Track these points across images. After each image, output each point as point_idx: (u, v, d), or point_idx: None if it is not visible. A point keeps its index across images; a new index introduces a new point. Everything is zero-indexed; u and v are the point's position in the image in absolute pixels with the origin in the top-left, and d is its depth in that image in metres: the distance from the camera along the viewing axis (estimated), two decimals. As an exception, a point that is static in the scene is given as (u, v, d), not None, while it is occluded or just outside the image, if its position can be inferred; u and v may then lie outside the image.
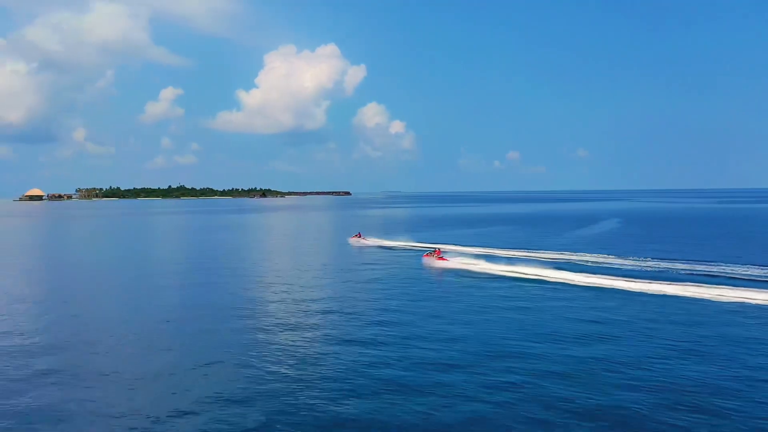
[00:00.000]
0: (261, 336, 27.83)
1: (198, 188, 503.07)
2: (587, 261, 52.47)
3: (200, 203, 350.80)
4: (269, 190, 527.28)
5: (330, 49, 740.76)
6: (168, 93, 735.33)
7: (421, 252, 58.26)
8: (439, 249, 53.73)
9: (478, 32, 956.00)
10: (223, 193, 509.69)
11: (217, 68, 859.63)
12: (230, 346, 26.19)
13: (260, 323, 30.37)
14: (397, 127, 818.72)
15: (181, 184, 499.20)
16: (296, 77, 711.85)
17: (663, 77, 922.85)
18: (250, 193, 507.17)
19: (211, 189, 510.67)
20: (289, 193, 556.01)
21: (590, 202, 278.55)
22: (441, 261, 50.36)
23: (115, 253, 71.46)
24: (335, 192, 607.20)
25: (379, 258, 58.84)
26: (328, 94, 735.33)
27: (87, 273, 53.62)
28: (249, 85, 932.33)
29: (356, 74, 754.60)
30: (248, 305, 35.20)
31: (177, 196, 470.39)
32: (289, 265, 56.00)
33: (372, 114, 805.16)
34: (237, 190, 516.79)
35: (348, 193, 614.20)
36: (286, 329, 29.12)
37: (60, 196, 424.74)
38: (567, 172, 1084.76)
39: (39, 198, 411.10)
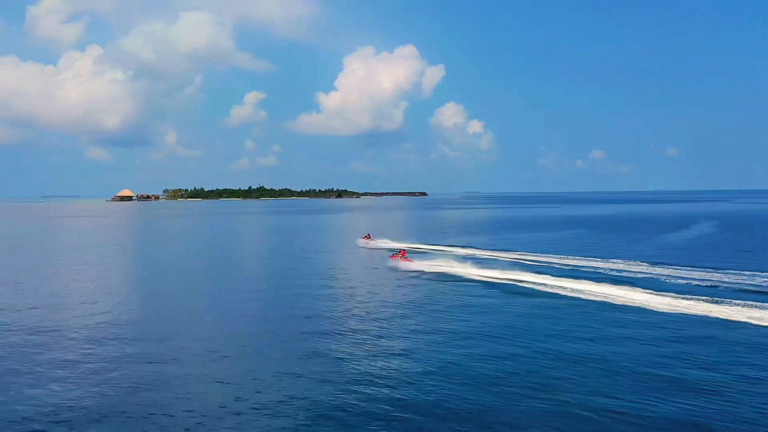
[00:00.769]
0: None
1: (276, 189, 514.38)
2: (668, 275, 42.48)
3: (277, 203, 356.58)
4: (345, 190, 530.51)
5: (408, 49, 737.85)
6: (252, 97, 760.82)
7: (427, 255, 57.19)
8: (404, 250, 53.97)
9: (558, 28, 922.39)
10: (301, 193, 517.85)
11: (298, 72, 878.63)
12: (304, 347, 25.75)
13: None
14: (475, 126, 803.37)
15: (261, 185, 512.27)
16: (374, 79, 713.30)
17: (761, 72, 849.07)
18: (326, 193, 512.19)
19: (289, 189, 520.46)
20: (365, 194, 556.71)
21: (681, 203, 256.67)
22: (405, 262, 50.40)
23: (197, 251, 74.51)
24: (411, 193, 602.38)
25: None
26: (405, 95, 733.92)
27: (168, 269, 56.56)
28: (328, 87, 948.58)
29: (434, 74, 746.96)
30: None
31: (256, 197, 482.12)
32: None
33: (450, 114, 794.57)
34: (314, 190, 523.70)
35: (424, 194, 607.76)
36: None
37: (148, 197, 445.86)
38: (655, 172, 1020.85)
39: (129, 198, 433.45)
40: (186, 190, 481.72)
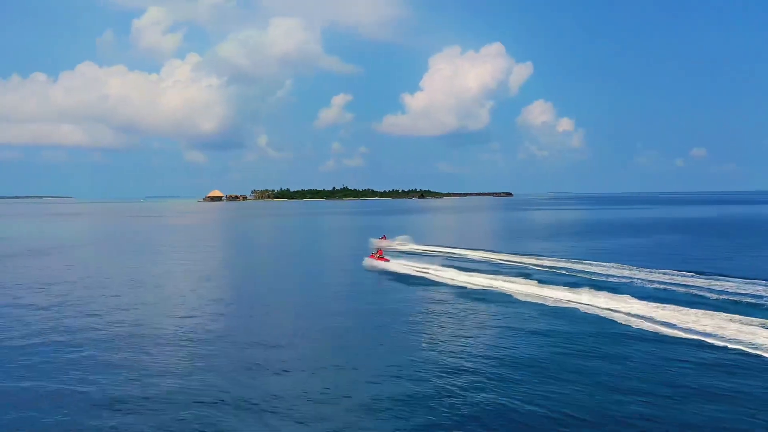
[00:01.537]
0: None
1: (360, 189, 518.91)
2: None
3: (360, 204, 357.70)
4: (428, 191, 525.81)
5: (495, 48, 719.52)
6: (339, 99, 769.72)
7: (435, 257, 55.68)
8: (381, 249, 52.17)
9: (653, 19, 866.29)
10: (383, 194, 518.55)
11: (383, 73, 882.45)
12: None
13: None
14: (565, 124, 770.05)
15: (344, 186, 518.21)
16: (460, 78, 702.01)
17: None
18: (409, 194, 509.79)
19: (372, 190, 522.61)
20: (448, 195, 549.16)
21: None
22: (381, 261, 48.54)
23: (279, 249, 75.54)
24: (495, 193, 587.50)
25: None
26: (492, 93, 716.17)
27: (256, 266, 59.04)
28: (414, 88, 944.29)
29: (522, 72, 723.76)
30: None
31: (340, 197, 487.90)
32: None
33: (538, 112, 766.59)
34: (396, 191, 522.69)
35: (509, 194, 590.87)
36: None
37: (236, 197, 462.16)
38: (764, 170, 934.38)
39: (219, 199, 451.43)
40: (272, 190, 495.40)
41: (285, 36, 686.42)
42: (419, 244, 66.94)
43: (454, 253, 59.17)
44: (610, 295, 33.49)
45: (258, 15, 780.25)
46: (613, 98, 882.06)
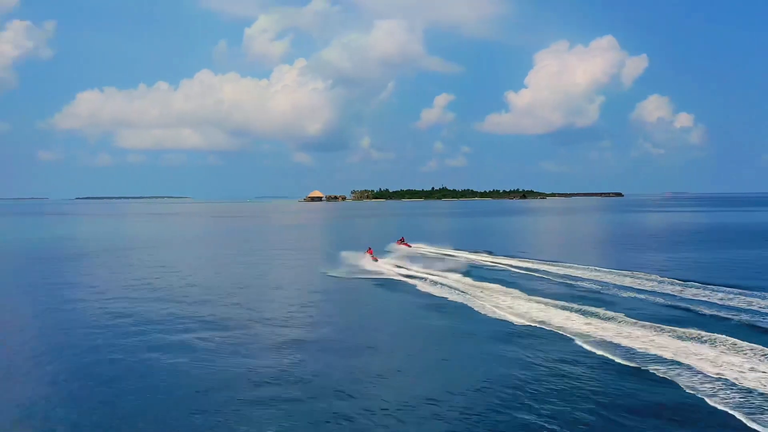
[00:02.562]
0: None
1: (459, 189, 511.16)
2: None
3: (459, 204, 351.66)
4: (530, 191, 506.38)
5: (606, 41, 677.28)
6: (441, 99, 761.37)
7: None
8: (371, 248, 51.11)
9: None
10: (483, 194, 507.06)
11: (486, 71, 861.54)
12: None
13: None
14: (683, 120, 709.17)
15: (443, 186, 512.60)
16: (568, 74, 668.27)
17: None
18: (510, 194, 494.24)
19: (471, 190, 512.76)
20: (552, 195, 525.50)
21: None
22: (371, 260, 47.97)
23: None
24: (604, 193, 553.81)
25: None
26: (602, 89, 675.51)
27: None
28: (518, 85, 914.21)
29: (636, 65, 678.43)
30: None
31: (438, 198, 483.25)
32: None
33: (653, 107, 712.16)
34: (497, 191, 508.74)
35: (619, 195, 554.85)
36: None
37: (335, 197, 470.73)
38: None
39: (319, 199, 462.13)
40: (371, 191, 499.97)
41: (387, 38, 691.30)
42: (438, 247, 60.60)
43: (481, 260, 51.85)
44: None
45: (361, 18, 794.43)
46: (737, 91, 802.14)
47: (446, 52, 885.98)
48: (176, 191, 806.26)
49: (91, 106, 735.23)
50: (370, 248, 51.14)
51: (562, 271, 43.98)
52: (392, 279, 41.46)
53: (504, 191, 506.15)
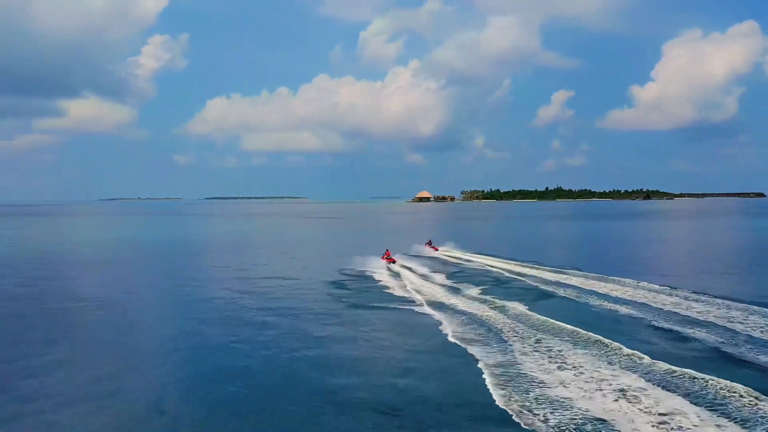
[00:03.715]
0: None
1: (575, 190, 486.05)
2: None
3: (574, 206, 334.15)
4: (655, 191, 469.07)
5: (747, 26, 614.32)
6: (559, 96, 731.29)
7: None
8: (389, 250, 49.12)
9: None
10: (602, 194, 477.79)
11: (608, 65, 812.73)
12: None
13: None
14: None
15: (558, 186, 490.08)
16: (702, 64, 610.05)
17: None
18: (632, 194, 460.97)
19: (589, 190, 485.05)
20: (681, 195, 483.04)
21: None
22: (389, 262, 46.32)
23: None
24: (743, 194, 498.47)
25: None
26: (742, 79, 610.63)
27: None
28: (644, 79, 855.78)
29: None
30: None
31: (552, 198, 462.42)
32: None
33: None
34: (617, 191, 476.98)
35: (761, 195, 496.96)
36: None
37: (444, 198, 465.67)
38: None
39: (427, 199, 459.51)
40: (482, 191, 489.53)
41: (501, 35, 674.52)
42: (464, 252, 56.44)
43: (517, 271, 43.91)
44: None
45: (475, 17, 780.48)
46: None
47: (564, 47, 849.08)
48: (295, 191, 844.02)
49: (219, 112, 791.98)
50: (387, 251, 49.18)
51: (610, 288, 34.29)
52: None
53: (625, 191, 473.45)
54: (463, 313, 27.72)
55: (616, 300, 30.80)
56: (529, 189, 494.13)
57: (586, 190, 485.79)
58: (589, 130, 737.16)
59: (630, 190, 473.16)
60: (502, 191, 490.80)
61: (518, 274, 41.25)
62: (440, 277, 40.15)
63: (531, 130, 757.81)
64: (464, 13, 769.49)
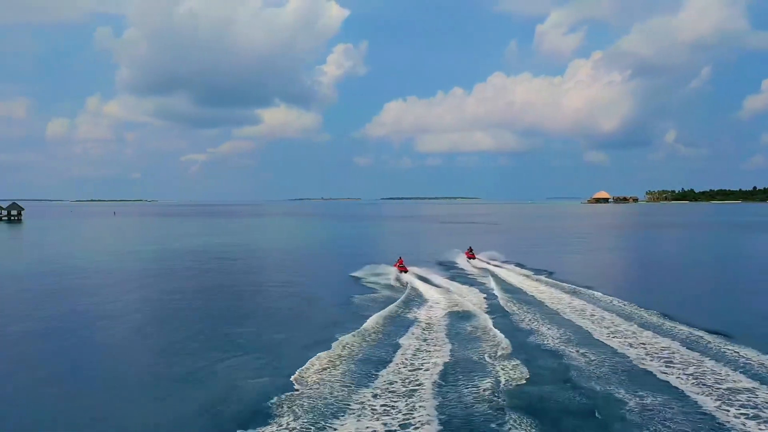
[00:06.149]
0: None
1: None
2: None
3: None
4: None
5: None
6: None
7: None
8: (402, 258, 45.77)
9: None
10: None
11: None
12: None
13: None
14: None
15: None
16: None
17: None
18: None
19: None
20: None
21: None
22: (400, 270, 43.49)
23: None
24: None
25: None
26: None
27: None
28: None
29: None
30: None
31: (762, 199, 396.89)
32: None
33: None
34: None
35: None
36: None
37: (625, 199, 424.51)
38: None
39: (605, 200, 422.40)
40: (671, 191, 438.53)
41: (700, 16, 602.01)
42: (502, 263, 50.48)
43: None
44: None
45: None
46: None
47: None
48: (468, 192, 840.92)
49: (395, 115, 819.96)
50: (400, 258, 46.31)
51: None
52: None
53: None
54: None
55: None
56: (732, 189, 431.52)
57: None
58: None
59: None
60: (696, 191, 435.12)
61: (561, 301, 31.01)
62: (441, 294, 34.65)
63: (735, 122, 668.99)
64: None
